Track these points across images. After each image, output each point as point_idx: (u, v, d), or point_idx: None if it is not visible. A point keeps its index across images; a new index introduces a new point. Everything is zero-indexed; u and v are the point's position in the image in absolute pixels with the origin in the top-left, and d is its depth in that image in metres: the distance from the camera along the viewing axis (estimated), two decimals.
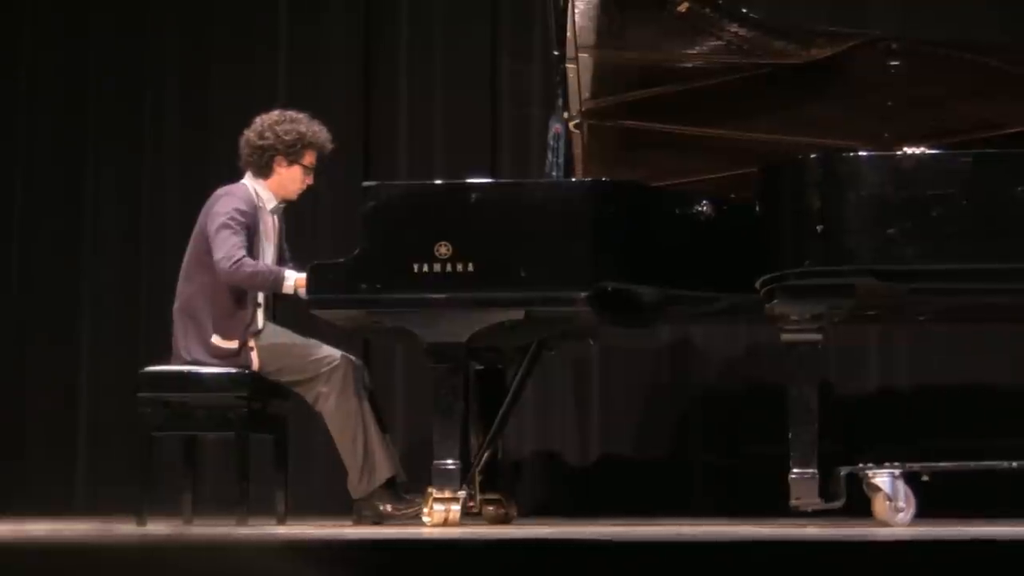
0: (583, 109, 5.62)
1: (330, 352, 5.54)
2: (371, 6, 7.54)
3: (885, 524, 4.99)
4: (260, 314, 5.57)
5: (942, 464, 5.13)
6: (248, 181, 5.67)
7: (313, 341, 5.60)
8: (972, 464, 5.24)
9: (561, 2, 5.40)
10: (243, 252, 5.45)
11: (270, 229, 5.65)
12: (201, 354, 5.49)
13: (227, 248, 5.43)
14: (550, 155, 5.55)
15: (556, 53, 5.52)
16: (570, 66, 5.54)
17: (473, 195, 5.13)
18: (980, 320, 5.92)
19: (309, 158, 5.66)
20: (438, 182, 5.71)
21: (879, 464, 5.07)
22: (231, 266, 5.42)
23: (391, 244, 5.12)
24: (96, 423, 7.43)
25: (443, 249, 5.05)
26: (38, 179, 7.69)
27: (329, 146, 5.70)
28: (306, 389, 5.53)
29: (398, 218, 5.14)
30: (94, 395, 7.48)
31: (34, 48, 7.75)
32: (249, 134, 5.67)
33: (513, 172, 7.17)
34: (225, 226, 5.46)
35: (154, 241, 7.47)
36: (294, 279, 5.34)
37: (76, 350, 7.57)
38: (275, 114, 5.70)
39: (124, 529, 4.78)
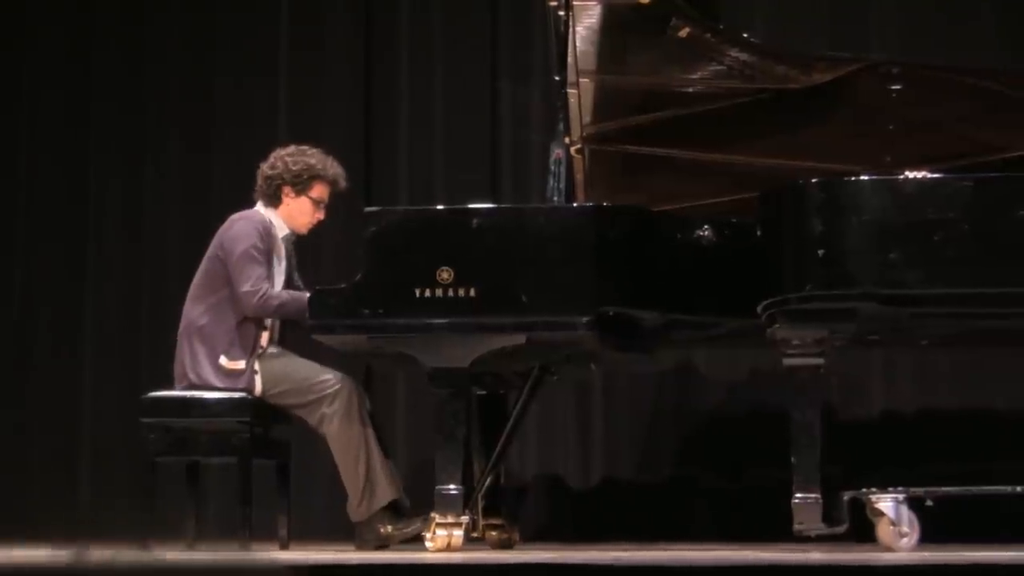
0: (584, 134, 5.63)
1: (333, 375, 5.55)
2: (371, 31, 7.55)
3: (889, 549, 4.98)
4: (265, 336, 5.60)
5: (946, 489, 5.12)
6: (261, 209, 5.71)
7: (316, 364, 5.61)
8: (976, 489, 5.23)
9: (562, 27, 5.41)
10: (267, 284, 5.53)
11: (282, 256, 5.69)
12: (210, 375, 5.51)
13: (253, 280, 5.51)
14: (551, 180, 5.55)
15: (557, 78, 5.53)
16: (571, 91, 5.55)
17: (475, 220, 5.13)
18: (983, 344, 5.92)
19: (318, 191, 5.70)
20: (439, 207, 5.72)
21: (883, 489, 5.06)
22: (258, 300, 5.49)
23: (393, 269, 5.12)
24: (98, 448, 7.43)
25: (445, 274, 5.05)
26: (40, 203, 7.71)
27: (342, 182, 5.76)
28: (309, 412, 5.54)
29: (400, 243, 5.14)
30: (96, 420, 7.48)
31: (37, 73, 7.77)
32: (263, 165, 5.74)
33: (514, 197, 7.18)
34: (250, 257, 5.52)
35: (156, 266, 7.48)
36: None
37: (78, 375, 7.57)
38: (290, 148, 5.79)
39: (128, 554, 4.77)
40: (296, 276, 5.78)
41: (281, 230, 5.70)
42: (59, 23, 7.79)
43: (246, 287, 5.51)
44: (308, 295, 5.45)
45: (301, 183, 5.69)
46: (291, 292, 5.61)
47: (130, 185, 7.67)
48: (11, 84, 7.79)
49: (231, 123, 7.54)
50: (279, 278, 5.66)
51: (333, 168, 5.74)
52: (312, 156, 5.73)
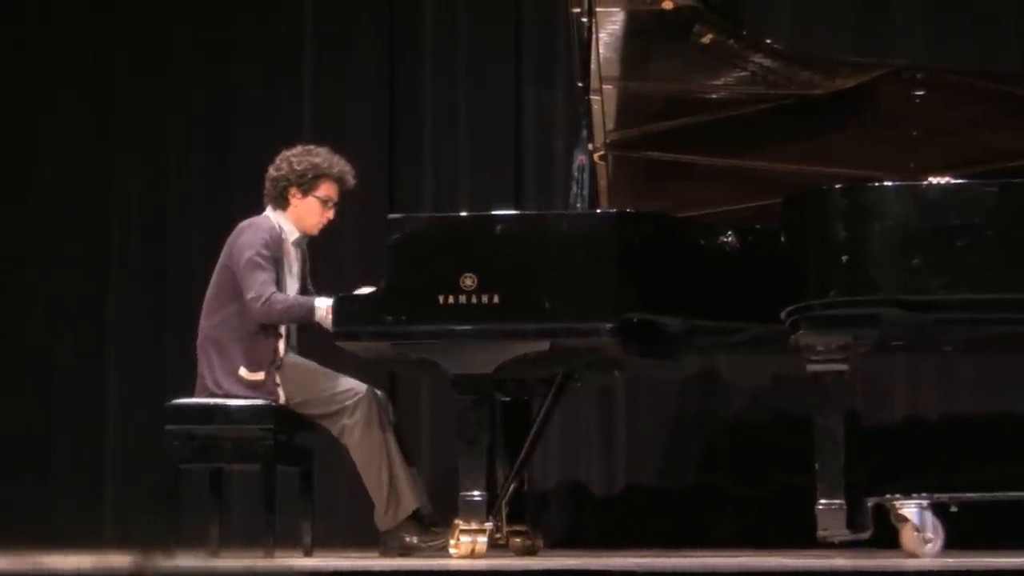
0: (608, 140, 5.64)
1: (354, 385, 5.55)
2: (395, 37, 7.56)
3: (913, 555, 4.97)
4: (282, 345, 5.59)
5: (970, 495, 5.11)
6: (270, 213, 5.70)
7: (337, 374, 5.61)
8: (1000, 495, 5.22)
9: (585, 34, 5.41)
10: (273, 288, 5.48)
11: (293, 260, 5.68)
12: (232, 385, 5.50)
13: (258, 286, 5.47)
14: (575, 186, 5.55)
15: (580, 84, 5.53)
16: (594, 97, 5.55)
17: (498, 227, 5.13)
18: (1006, 350, 5.90)
19: (325, 190, 5.67)
20: (463, 214, 5.72)
21: (907, 495, 5.05)
22: (263, 305, 5.45)
23: (416, 276, 5.13)
24: (123, 456, 7.45)
25: (468, 281, 5.05)
26: (63, 207, 7.73)
27: (350, 180, 5.70)
28: (331, 422, 5.54)
29: (423, 250, 5.15)
30: (120, 427, 7.50)
31: (59, 77, 7.80)
32: (269, 168, 5.72)
33: (538, 203, 7.18)
34: (255, 264, 5.49)
35: (180, 269, 7.49)
36: (325, 306, 5.34)
37: (102, 380, 7.59)
38: (296, 148, 5.74)
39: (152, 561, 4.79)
40: (308, 280, 5.76)
41: (291, 234, 5.67)
42: (81, 26, 7.81)
43: (251, 293, 5.47)
44: (314, 298, 5.44)
45: (307, 183, 5.64)
46: (296, 296, 5.59)
47: (153, 188, 7.69)
48: (34, 88, 7.81)
49: (255, 125, 7.54)
50: (292, 283, 5.64)
51: (339, 165, 5.68)
52: (317, 155, 5.67)
